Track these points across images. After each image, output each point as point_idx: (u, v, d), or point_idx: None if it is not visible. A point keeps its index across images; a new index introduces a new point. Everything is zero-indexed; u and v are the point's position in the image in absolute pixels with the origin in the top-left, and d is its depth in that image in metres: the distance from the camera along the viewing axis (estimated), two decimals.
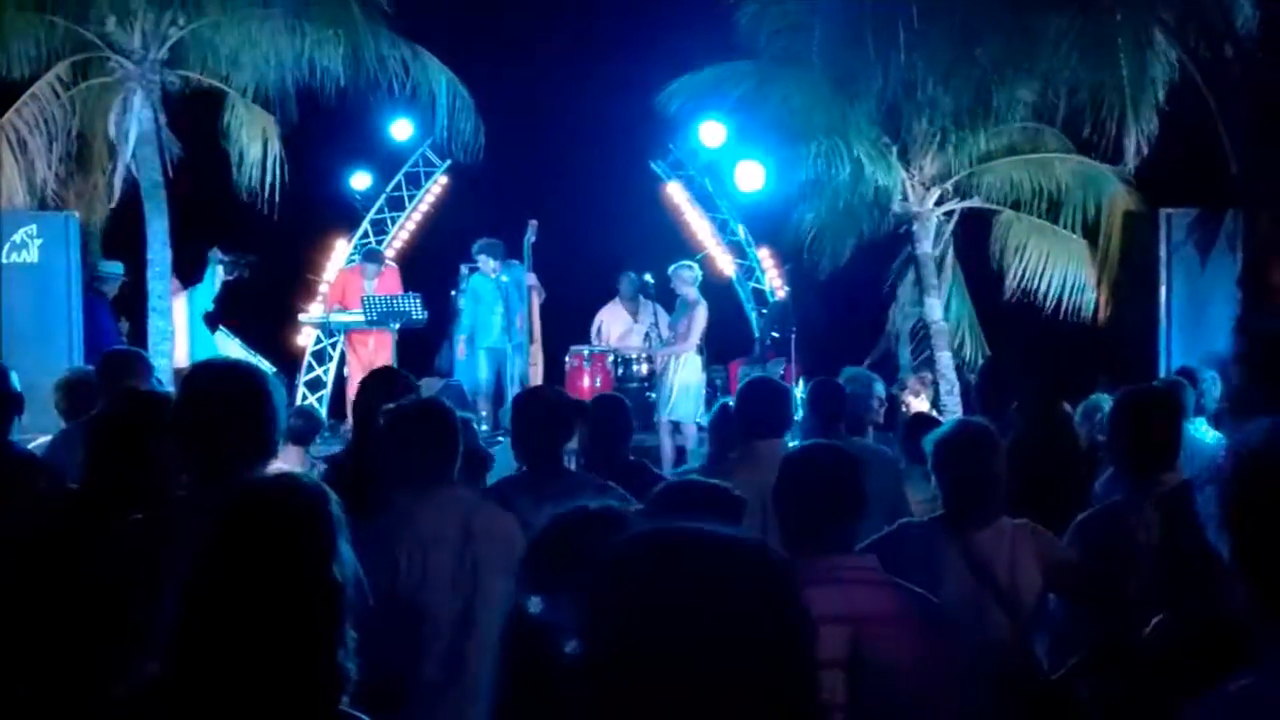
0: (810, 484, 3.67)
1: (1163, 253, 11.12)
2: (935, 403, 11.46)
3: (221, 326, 13.57)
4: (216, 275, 13.14)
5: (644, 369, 13.63)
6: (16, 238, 10.95)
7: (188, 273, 12.88)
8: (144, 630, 2.65)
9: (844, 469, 3.71)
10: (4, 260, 10.88)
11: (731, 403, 6.22)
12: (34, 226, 11.07)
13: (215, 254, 13.14)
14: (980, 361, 13.04)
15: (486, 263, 13.18)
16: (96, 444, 3.99)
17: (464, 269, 14.01)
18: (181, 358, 12.18)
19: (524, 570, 2.45)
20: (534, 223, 12.96)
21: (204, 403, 3.48)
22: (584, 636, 1.59)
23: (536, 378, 13.41)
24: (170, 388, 10.69)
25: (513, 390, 13.14)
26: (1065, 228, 12.85)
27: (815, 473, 3.70)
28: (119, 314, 12.31)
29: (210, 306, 13.15)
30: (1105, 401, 7.90)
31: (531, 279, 13.23)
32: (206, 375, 3.64)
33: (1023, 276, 12.94)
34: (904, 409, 10.86)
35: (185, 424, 3.49)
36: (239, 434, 3.41)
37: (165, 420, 3.67)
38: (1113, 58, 9.58)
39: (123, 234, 12.38)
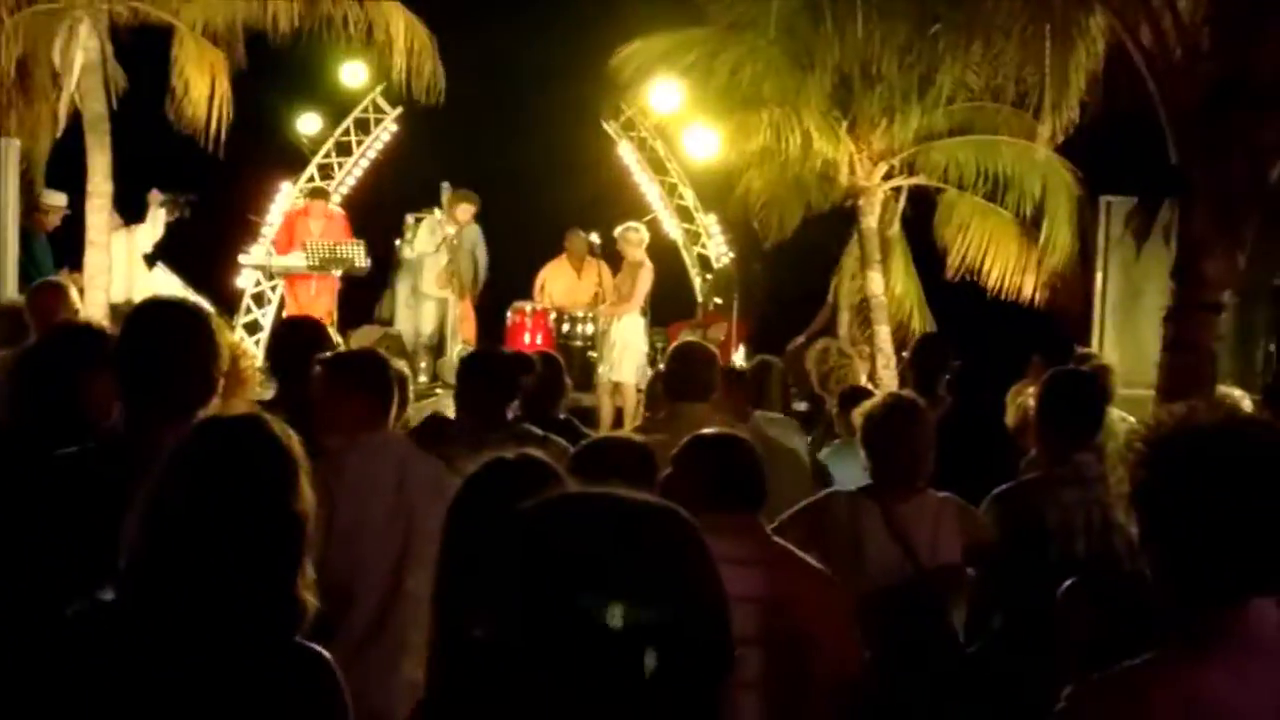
0: (711, 463, 3.86)
1: (1101, 240, 11.25)
2: (872, 376, 11.55)
3: (160, 263, 13.44)
4: (158, 218, 13.03)
5: (586, 328, 13.64)
6: None
7: (127, 213, 12.75)
8: (81, 561, 2.67)
9: (743, 453, 3.92)
10: None
11: None
12: None
13: (155, 195, 13.03)
14: None
15: (465, 211, 13.16)
16: (28, 376, 3.96)
17: (409, 218, 13.95)
18: (119, 294, 12.07)
19: (450, 516, 2.47)
20: (446, 184, 13.01)
21: (150, 340, 3.44)
22: (491, 609, 1.56)
23: (468, 332, 13.42)
24: (105, 323, 10.70)
25: (452, 343, 13.16)
26: (1008, 209, 12.97)
27: (713, 453, 3.91)
28: (56, 246, 12.17)
29: (149, 248, 13.03)
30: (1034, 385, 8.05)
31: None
32: (152, 313, 3.60)
33: (966, 255, 13.06)
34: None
35: (128, 361, 3.45)
36: (184, 373, 3.38)
37: (100, 355, 3.65)
38: (1036, 42, 9.66)
39: (65, 165, 12.22)
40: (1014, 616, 4.64)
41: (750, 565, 3.53)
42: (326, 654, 2.46)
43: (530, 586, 1.52)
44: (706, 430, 4.12)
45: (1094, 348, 10.58)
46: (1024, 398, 8.02)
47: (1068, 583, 3.66)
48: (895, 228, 13.21)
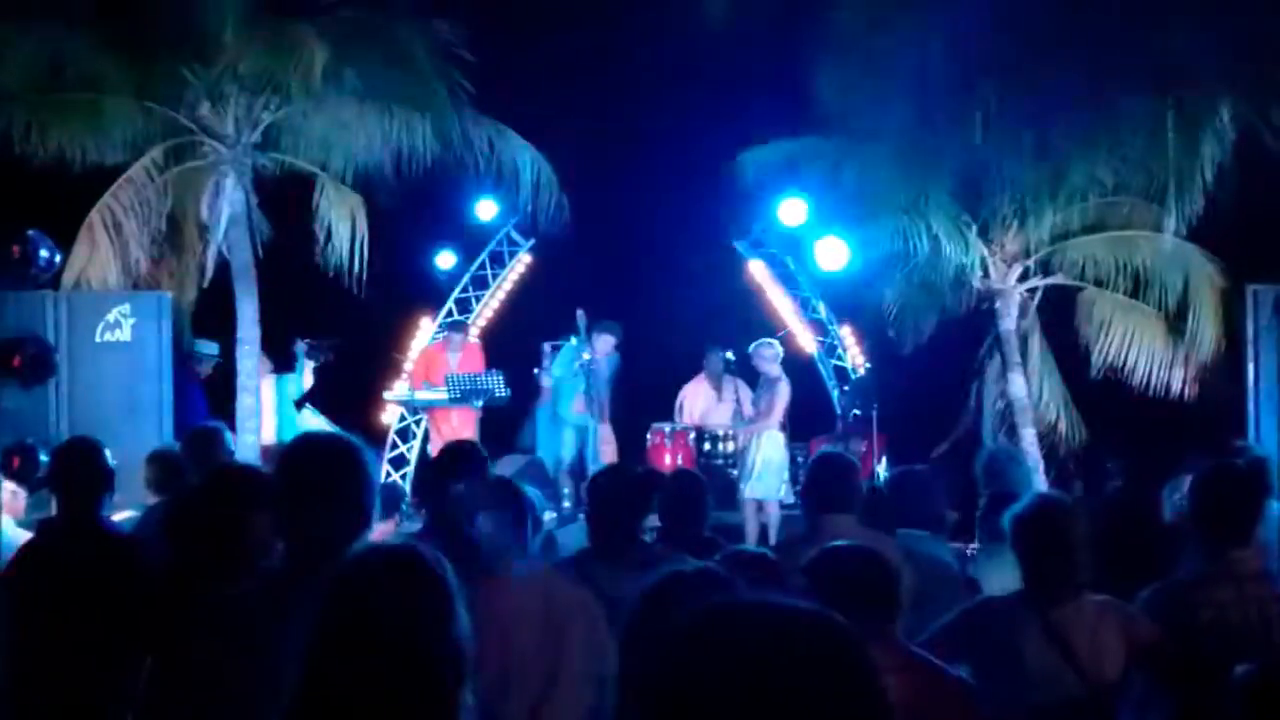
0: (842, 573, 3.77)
1: (1249, 328, 10.97)
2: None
3: (309, 405, 13.77)
4: (305, 366, 13.41)
5: (728, 446, 13.62)
6: (111, 317, 11.19)
7: (276, 361, 13.12)
8: (247, 701, 2.70)
9: (873, 566, 3.83)
10: (99, 339, 11.12)
11: None
12: (127, 305, 11.29)
13: (300, 345, 13.41)
14: (1077, 440, 12.92)
15: (606, 342, 13.31)
16: (193, 517, 4.06)
17: (547, 346, 14.13)
18: (268, 436, 12.39)
19: (626, 634, 2.44)
20: (581, 311, 13.15)
21: (306, 474, 3.50)
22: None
23: (609, 455, 13.47)
24: (256, 465, 10.97)
25: (592, 467, 13.21)
26: (1150, 304, 12.70)
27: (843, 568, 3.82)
28: (211, 394, 12.53)
29: (299, 394, 13.40)
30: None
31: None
32: (308, 447, 3.67)
33: (1108, 354, 12.79)
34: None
35: (286, 495, 3.51)
36: (340, 505, 3.43)
37: (261, 495, 3.75)
38: (1165, 136, 9.57)
39: (213, 313, 12.64)
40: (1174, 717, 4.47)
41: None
42: None
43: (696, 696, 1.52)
44: (839, 542, 4.05)
45: (1249, 439, 10.27)
46: (1180, 495, 7.82)
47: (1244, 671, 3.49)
48: (1033, 328, 13.01)
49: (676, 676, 1.55)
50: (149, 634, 3.95)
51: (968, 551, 7.60)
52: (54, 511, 5.86)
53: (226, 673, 3.23)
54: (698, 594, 2.25)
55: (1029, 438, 12.33)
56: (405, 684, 2.39)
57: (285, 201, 12.57)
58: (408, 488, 15.67)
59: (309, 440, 3.78)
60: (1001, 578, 5.57)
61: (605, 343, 13.38)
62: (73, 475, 5.44)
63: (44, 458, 7.15)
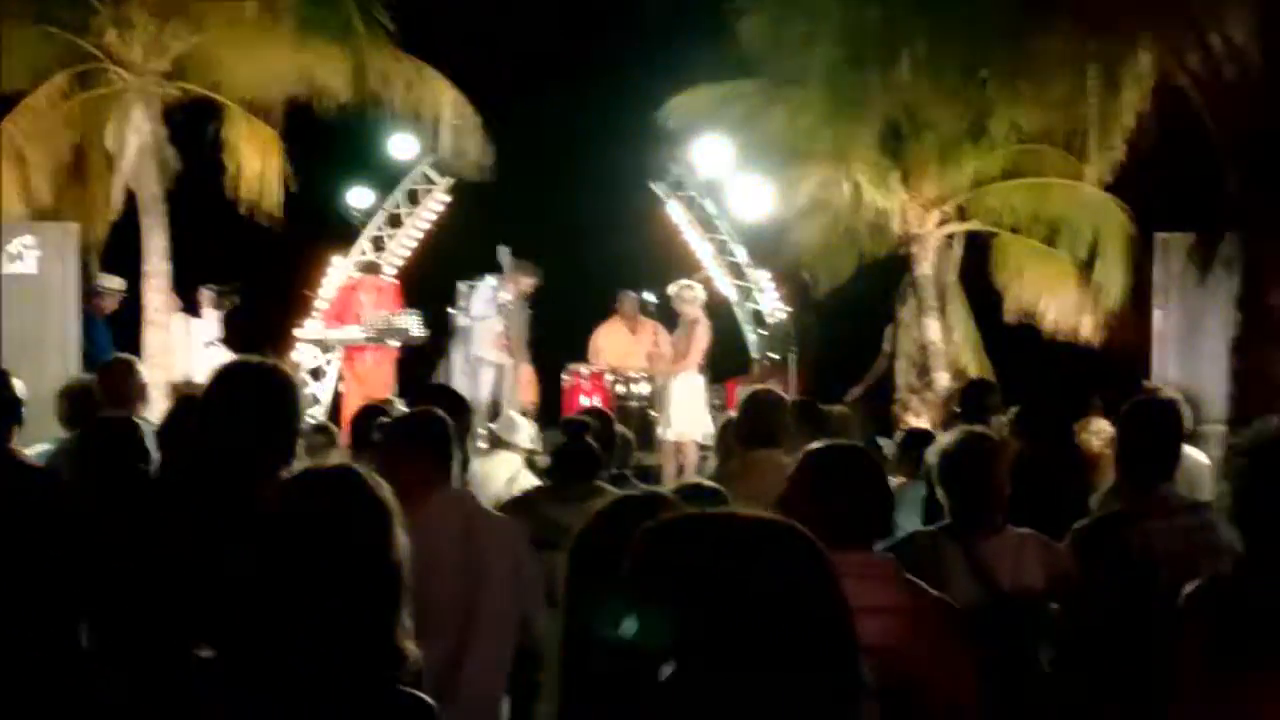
0: (832, 479, 3.63)
1: (1158, 276, 11.14)
2: (934, 422, 11.45)
3: (217, 342, 13.56)
4: (211, 315, 13.23)
5: (645, 388, 13.62)
6: (13, 248, 10.90)
7: (184, 301, 12.90)
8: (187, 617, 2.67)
9: (867, 465, 3.72)
10: (2, 271, 10.84)
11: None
12: (30, 238, 11.02)
13: (205, 293, 13.20)
14: None
15: (529, 284, 13.19)
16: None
17: (463, 286, 14.01)
18: (176, 373, 12.18)
19: (577, 546, 2.40)
20: (504, 249, 13.05)
21: (238, 395, 3.49)
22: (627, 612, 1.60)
23: (529, 396, 13.43)
24: (165, 401, 10.79)
25: (508, 407, 13.15)
26: (1062, 251, 12.89)
27: (838, 468, 3.68)
28: (115, 329, 12.29)
29: (208, 338, 13.22)
30: (1095, 423, 7.96)
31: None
32: (241, 370, 3.65)
33: (1022, 299, 12.97)
34: (903, 427, 10.86)
35: (216, 416, 3.49)
36: (271, 428, 3.43)
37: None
38: (1085, 82, 9.66)
39: (119, 247, 12.37)
40: (1100, 649, 4.54)
41: (873, 614, 3.39)
42: (431, 701, 2.43)
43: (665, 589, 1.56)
44: (831, 444, 3.93)
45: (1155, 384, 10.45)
46: (1087, 434, 7.95)
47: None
48: (951, 274, 13.14)
49: (646, 579, 1.55)
50: (67, 561, 3.86)
51: None
52: None
53: (151, 592, 3.18)
54: (651, 514, 2.24)
55: (942, 381, 12.48)
56: (344, 604, 2.37)
57: (196, 134, 12.30)
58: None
59: (239, 366, 3.73)
60: (906, 514, 5.64)
61: (528, 284, 13.27)
62: None
63: None
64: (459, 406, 5.32)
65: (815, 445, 3.84)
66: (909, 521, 5.43)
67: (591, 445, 5.73)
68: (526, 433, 8.07)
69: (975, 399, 7.66)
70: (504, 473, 7.47)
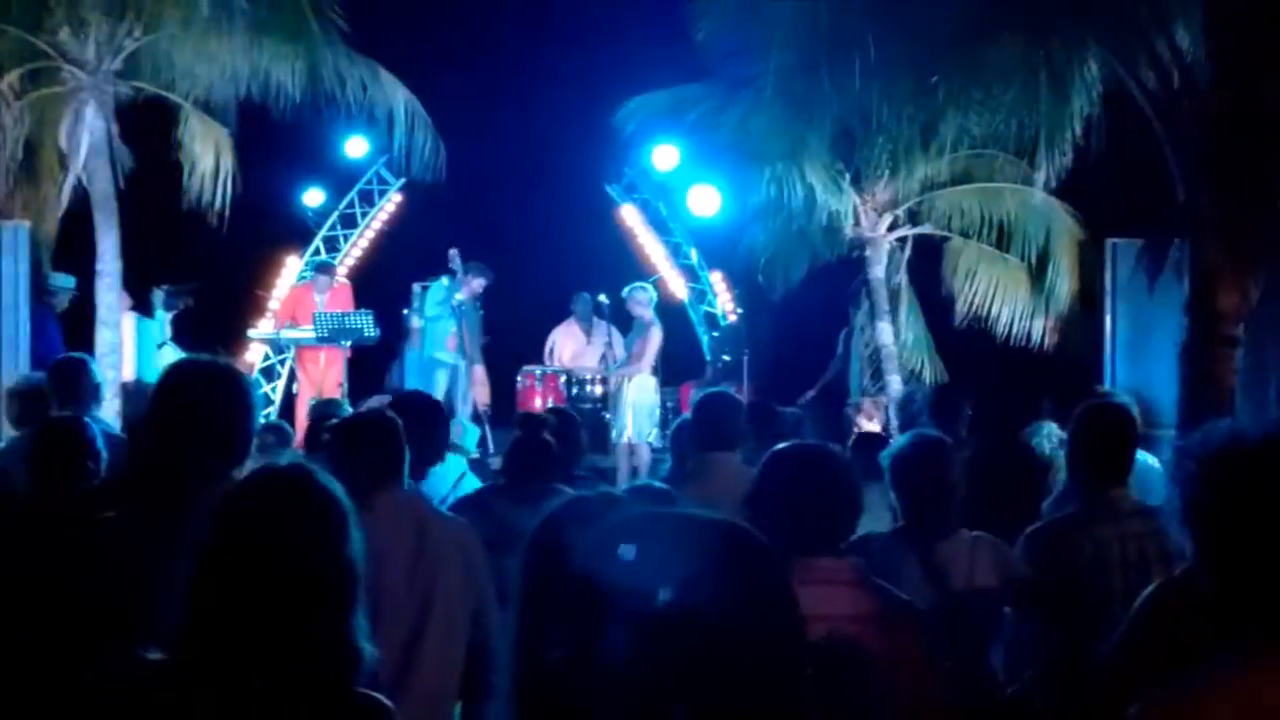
0: (801, 482, 3.52)
1: (1108, 281, 11.26)
2: (886, 426, 11.52)
3: (169, 341, 13.46)
4: (163, 316, 13.13)
5: (598, 390, 13.64)
6: None
7: (136, 301, 12.79)
8: (135, 619, 2.65)
9: (836, 468, 3.62)
10: None
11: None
12: None
13: (158, 292, 13.10)
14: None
15: (480, 285, 13.20)
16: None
17: (417, 287, 13.99)
18: (128, 373, 12.09)
19: (531, 548, 2.42)
20: (454, 251, 13.04)
21: (186, 398, 3.43)
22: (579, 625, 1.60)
23: (483, 397, 13.43)
24: (116, 400, 10.70)
25: (462, 408, 13.14)
26: (1014, 255, 13.01)
27: (807, 470, 3.57)
28: (65, 328, 12.17)
29: (161, 340, 13.12)
30: (1046, 427, 8.04)
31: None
32: (189, 371, 3.58)
33: (973, 303, 13.08)
34: (855, 430, 10.93)
35: (164, 419, 3.44)
36: (221, 431, 3.38)
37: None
38: (1035, 88, 9.77)
39: (71, 246, 12.25)
40: (1051, 653, 4.59)
41: (841, 622, 3.34)
42: (388, 702, 2.43)
43: (611, 599, 1.55)
44: (798, 444, 3.82)
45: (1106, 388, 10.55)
46: (1038, 438, 8.04)
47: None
48: (902, 277, 13.24)
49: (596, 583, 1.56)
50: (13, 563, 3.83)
51: None
52: None
53: (99, 597, 3.15)
54: (604, 514, 2.26)
55: (894, 384, 12.57)
56: (298, 605, 2.36)
57: (148, 133, 12.19)
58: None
59: (189, 365, 3.67)
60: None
61: (480, 285, 13.28)
62: None
63: None
64: (435, 415, 5.29)
65: (782, 446, 3.74)
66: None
67: (549, 442, 5.71)
68: (473, 438, 8.06)
69: (949, 406, 7.56)
70: (450, 475, 7.47)
